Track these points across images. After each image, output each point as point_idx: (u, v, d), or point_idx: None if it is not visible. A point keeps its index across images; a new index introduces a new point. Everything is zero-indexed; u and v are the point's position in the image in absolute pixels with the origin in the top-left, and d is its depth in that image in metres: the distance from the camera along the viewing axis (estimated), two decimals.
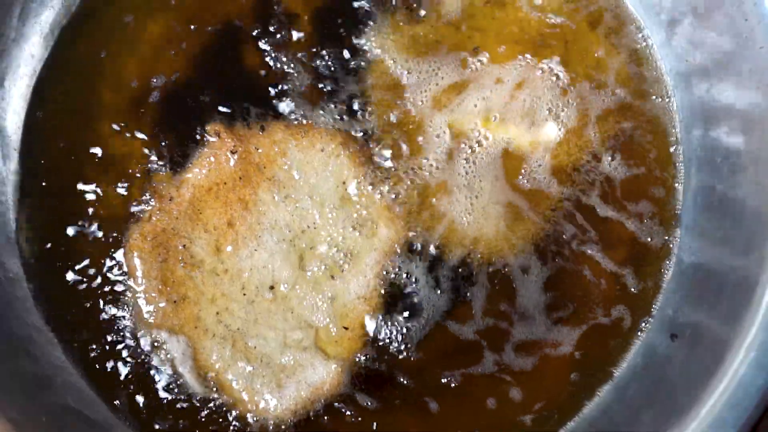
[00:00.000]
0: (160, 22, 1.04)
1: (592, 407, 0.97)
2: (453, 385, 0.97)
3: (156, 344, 0.97)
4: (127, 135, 1.01)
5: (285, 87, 1.02)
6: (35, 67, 1.03)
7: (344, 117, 1.02)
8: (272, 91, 1.02)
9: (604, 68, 1.05)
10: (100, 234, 0.99)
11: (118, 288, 0.98)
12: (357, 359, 0.97)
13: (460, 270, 0.99)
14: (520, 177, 1.02)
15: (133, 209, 0.99)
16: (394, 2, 1.05)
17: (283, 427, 0.95)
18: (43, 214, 1.00)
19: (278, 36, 1.04)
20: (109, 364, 0.97)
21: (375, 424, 0.96)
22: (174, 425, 0.95)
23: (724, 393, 0.82)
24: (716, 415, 0.82)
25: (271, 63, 1.03)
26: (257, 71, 1.03)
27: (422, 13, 1.06)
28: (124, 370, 0.97)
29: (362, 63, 1.04)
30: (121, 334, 0.97)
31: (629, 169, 1.03)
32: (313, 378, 0.96)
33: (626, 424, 0.93)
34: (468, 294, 0.99)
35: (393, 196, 1.00)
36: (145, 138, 1.01)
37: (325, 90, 1.03)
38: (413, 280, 0.98)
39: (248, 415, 0.95)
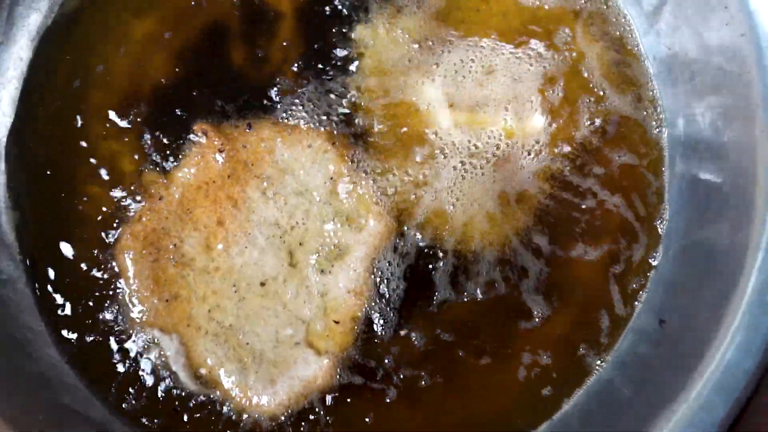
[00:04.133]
0: (146, 23, 1.05)
1: (582, 394, 0.98)
2: (445, 375, 0.97)
3: (149, 343, 0.97)
4: (116, 135, 1.02)
5: (271, 84, 1.03)
6: (23, 69, 1.05)
7: (331, 113, 1.03)
8: (259, 89, 1.03)
9: (589, 57, 1.06)
10: (91, 235, 1.00)
11: (111, 288, 0.99)
12: (348, 352, 0.97)
13: (449, 261, 0.99)
14: (509, 168, 1.02)
15: (124, 209, 1.00)
16: None
17: (276, 422, 0.96)
18: (34, 215, 1.01)
19: (264, 34, 1.05)
20: (104, 363, 0.97)
21: (368, 415, 0.96)
22: (168, 422, 0.96)
23: (712, 376, 0.83)
24: (705, 399, 0.82)
25: (257, 61, 1.04)
26: (243, 70, 1.04)
27: (408, 7, 1.07)
28: (118, 369, 0.97)
29: (349, 59, 1.04)
30: (115, 333, 0.98)
31: (615, 157, 1.04)
32: (305, 373, 0.96)
33: (616, 409, 0.93)
34: (458, 284, 0.99)
35: (381, 190, 1.01)
36: (134, 138, 1.02)
37: (312, 86, 1.03)
38: (403, 272, 0.99)
39: (242, 411, 0.96)
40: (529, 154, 1.03)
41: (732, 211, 0.91)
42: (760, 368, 0.82)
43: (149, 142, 1.02)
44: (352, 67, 1.04)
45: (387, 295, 0.98)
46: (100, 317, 0.98)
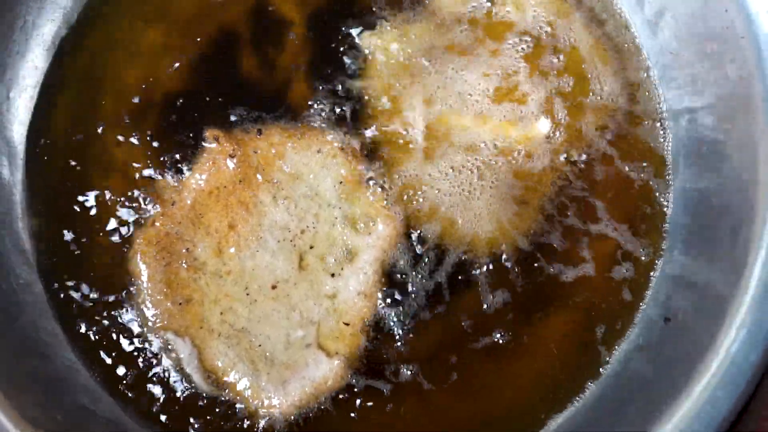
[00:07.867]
0: (158, 32, 1.07)
1: (588, 391, 0.98)
2: (454, 376, 0.98)
3: (163, 345, 0.98)
4: (129, 142, 1.04)
5: (281, 90, 1.05)
6: (39, 78, 1.06)
7: (340, 118, 1.04)
8: (268, 95, 1.05)
9: (592, 62, 1.08)
10: (105, 240, 1.01)
11: (125, 292, 1.00)
12: (359, 354, 0.98)
13: (458, 262, 1.00)
14: (515, 171, 1.03)
15: (137, 215, 1.01)
16: (385, 5, 1.08)
17: (288, 422, 0.97)
18: (50, 222, 1.03)
19: (274, 41, 1.06)
20: (119, 366, 0.98)
21: (378, 415, 0.97)
22: (182, 423, 0.97)
23: (718, 371, 0.83)
24: (710, 393, 0.82)
25: (267, 68, 1.05)
26: (253, 76, 1.05)
27: (416, 15, 1.08)
28: (133, 371, 0.98)
29: (358, 64, 1.06)
30: (129, 336, 0.99)
31: (619, 158, 1.05)
32: (316, 374, 0.97)
33: (622, 406, 0.93)
34: (467, 285, 1.00)
35: (390, 193, 1.02)
36: (147, 145, 1.04)
37: (320, 92, 1.05)
38: (412, 274, 1.00)
39: (254, 412, 0.96)
40: (535, 158, 1.04)
41: (735, 210, 0.92)
42: (764, 362, 0.82)
43: (162, 148, 1.03)
44: (361, 74, 1.06)
45: (396, 297, 1.00)
46: (115, 320, 0.99)
